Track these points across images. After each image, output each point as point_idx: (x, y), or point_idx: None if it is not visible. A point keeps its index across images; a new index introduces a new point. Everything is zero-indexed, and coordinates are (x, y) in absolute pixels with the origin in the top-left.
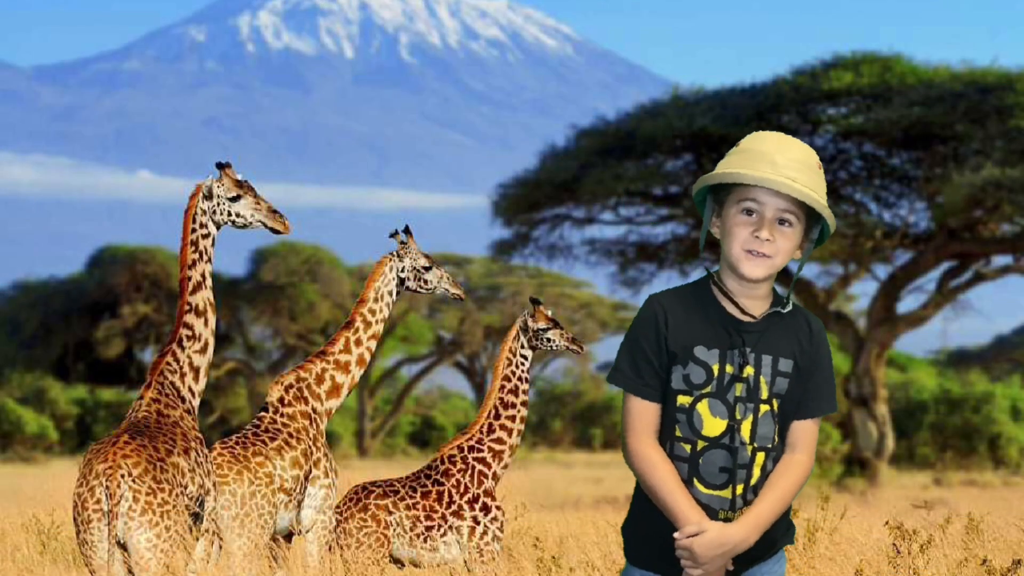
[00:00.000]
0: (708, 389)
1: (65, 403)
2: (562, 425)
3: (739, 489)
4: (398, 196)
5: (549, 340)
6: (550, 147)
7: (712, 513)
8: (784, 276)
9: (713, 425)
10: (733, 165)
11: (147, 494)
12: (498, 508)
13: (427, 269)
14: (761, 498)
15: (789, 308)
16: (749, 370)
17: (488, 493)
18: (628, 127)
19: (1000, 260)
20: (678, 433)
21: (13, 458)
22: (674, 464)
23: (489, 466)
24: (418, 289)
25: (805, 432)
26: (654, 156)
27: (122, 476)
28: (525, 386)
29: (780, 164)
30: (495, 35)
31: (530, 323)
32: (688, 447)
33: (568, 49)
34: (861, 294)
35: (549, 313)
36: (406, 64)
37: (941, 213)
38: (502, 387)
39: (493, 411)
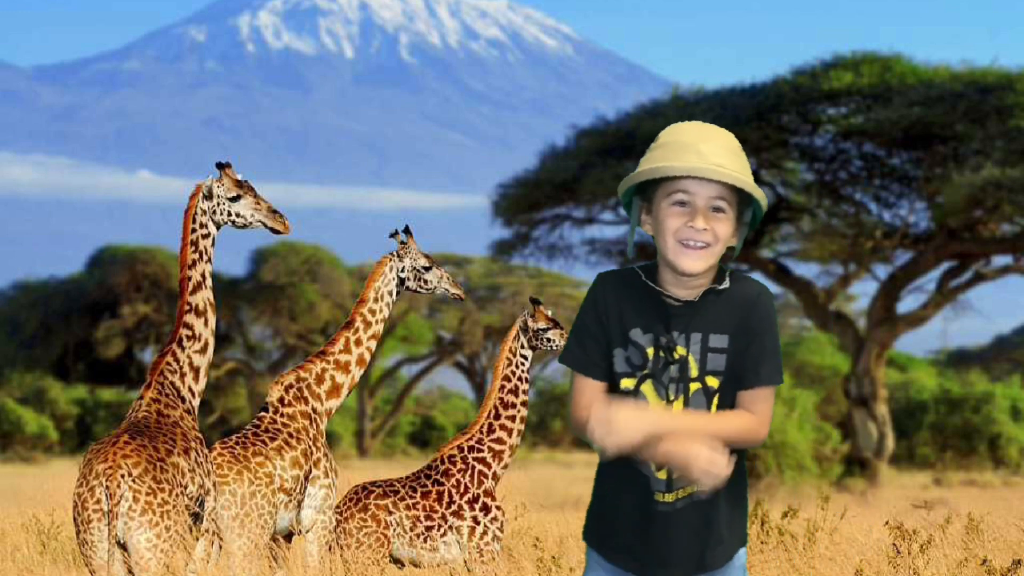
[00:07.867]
0: (647, 371)
1: (65, 403)
2: (562, 425)
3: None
4: (398, 196)
5: (549, 340)
6: (550, 147)
7: (648, 494)
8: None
9: (657, 406)
10: (657, 160)
11: (147, 494)
12: (498, 508)
13: (427, 269)
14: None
15: (725, 285)
16: (680, 351)
17: (488, 493)
18: (628, 127)
19: (1000, 260)
20: None
21: (13, 458)
22: None
23: (489, 466)
24: (418, 289)
25: (753, 397)
26: None
27: (122, 476)
28: (525, 386)
29: (705, 152)
30: (495, 35)
31: (530, 323)
32: None
33: (568, 49)
34: (861, 294)
35: (549, 313)
36: (406, 64)
37: (941, 213)
38: (502, 387)
39: (493, 411)
